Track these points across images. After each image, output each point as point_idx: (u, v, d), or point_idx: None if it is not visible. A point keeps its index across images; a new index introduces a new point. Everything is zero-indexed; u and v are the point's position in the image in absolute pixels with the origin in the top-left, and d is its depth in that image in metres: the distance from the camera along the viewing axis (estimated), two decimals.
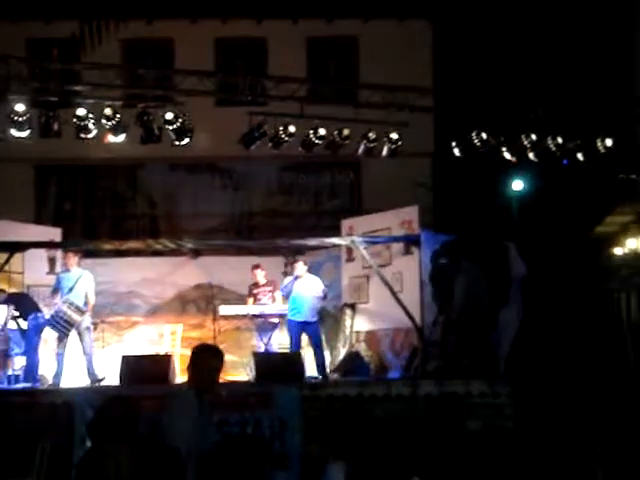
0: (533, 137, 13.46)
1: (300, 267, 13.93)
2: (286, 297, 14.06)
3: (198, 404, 5.67)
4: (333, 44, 19.05)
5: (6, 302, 13.72)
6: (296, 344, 13.81)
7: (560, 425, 11.00)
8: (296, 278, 13.88)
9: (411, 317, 13.62)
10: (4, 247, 13.59)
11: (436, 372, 12.77)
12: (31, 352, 13.40)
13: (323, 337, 14.92)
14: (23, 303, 13.80)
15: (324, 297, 14.10)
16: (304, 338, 13.99)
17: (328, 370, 14.83)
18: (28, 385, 13.03)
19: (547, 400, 11.81)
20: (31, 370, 13.28)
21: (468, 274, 13.20)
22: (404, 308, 13.66)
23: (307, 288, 13.84)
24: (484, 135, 13.30)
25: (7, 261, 13.55)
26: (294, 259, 14.25)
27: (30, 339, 13.45)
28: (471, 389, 11.72)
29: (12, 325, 13.83)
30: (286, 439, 11.25)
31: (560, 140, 13.53)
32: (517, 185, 16.85)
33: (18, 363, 13.63)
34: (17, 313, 13.67)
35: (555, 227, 15.99)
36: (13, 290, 14.53)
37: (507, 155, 13.49)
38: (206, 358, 5.81)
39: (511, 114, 13.56)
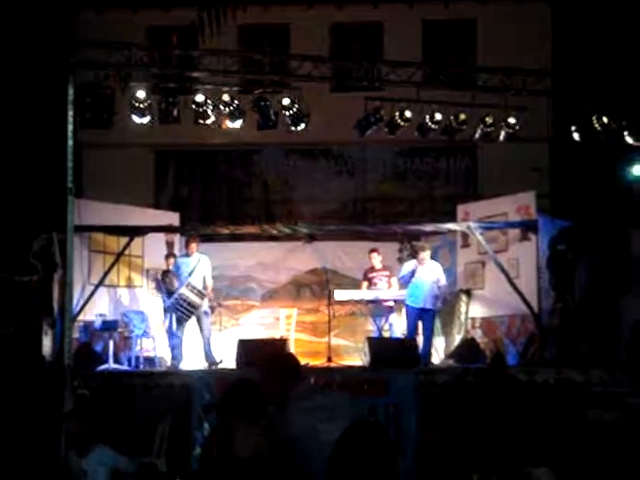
0: None
1: (426, 256, 13.77)
2: (404, 285, 13.93)
3: None
4: (450, 27, 18.81)
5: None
6: (412, 330, 13.73)
7: None
8: (420, 262, 13.68)
9: (528, 304, 13.46)
10: (125, 231, 13.91)
11: (554, 359, 12.60)
12: (168, 334, 13.74)
13: (438, 323, 14.84)
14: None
15: (440, 287, 13.96)
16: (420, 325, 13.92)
17: (443, 356, 14.79)
18: (173, 364, 13.40)
19: None
20: (171, 350, 13.61)
21: (588, 261, 12.97)
22: (521, 294, 13.51)
23: (427, 274, 13.72)
24: (605, 119, 13.01)
25: (127, 245, 13.86)
26: (419, 246, 14.15)
27: (168, 321, 13.79)
28: (591, 377, 11.53)
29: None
30: (401, 425, 11.23)
31: None
32: (638, 170, 16.43)
33: (138, 345, 13.94)
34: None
35: None
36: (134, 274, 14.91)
37: (629, 139, 13.14)
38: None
39: (633, 97, 13.21)
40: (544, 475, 5.43)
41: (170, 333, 13.69)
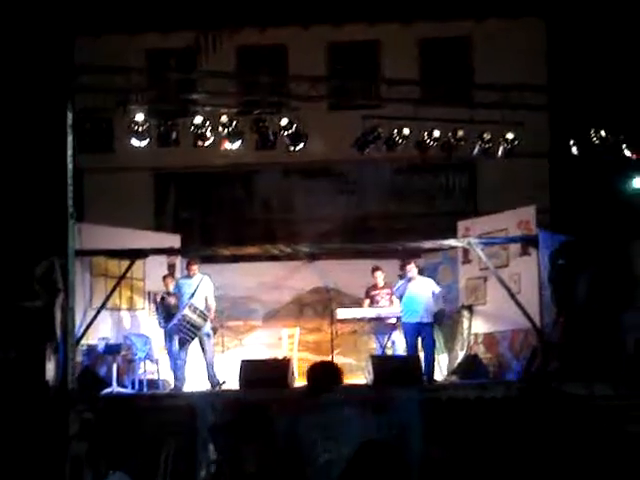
0: None
1: (413, 269, 13.91)
2: (399, 299, 14.00)
3: None
4: (446, 45, 18.87)
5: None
6: (412, 347, 13.74)
7: None
8: (409, 280, 13.85)
9: (530, 318, 13.46)
10: (126, 255, 13.92)
11: (557, 374, 12.58)
12: (171, 357, 13.75)
13: (441, 339, 14.85)
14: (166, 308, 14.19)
15: (439, 297, 14.02)
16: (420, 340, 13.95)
17: (446, 372, 14.76)
18: (176, 386, 13.44)
19: None
20: (174, 372, 13.61)
21: (589, 275, 12.97)
22: (523, 309, 13.50)
23: (420, 289, 13.79)
24: (603, 133, 13.05)
25: (129, 268, 13.86)
26: (406, 261, 14.23)
27: (168, 344, 13.79)
28: (594, 391, 11.51)
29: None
30: (405, 442, 11.21)
31: None
32: (637, 182, 16.45)
33: (142, 368, 13.93)
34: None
35: None
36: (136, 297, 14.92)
37: (627, 152, 13.20)
38: None
39: (630, 110, 13.26)
40: None
41: (171, 355, 13.70)
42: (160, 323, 13.98)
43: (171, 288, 14.22)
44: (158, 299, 14.20)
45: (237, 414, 5.45)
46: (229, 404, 11.52)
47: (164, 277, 14.50)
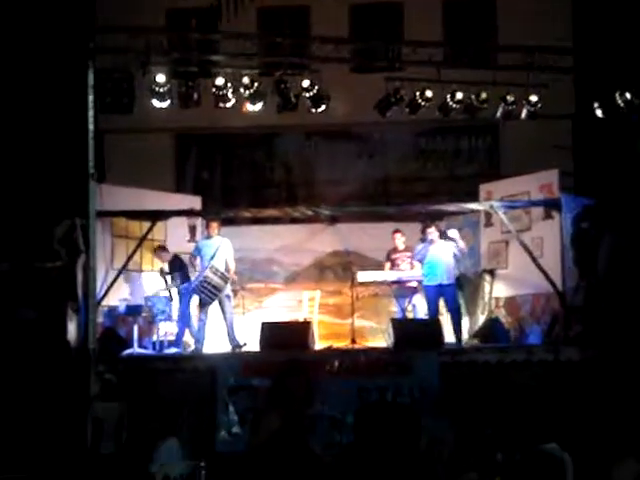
0: None
1: (434, 233, 13.87)
2: (420, 262, 14.00)
3: None
4: (470, 6, 18.62)
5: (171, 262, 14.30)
6: (433, 310, 13.76)
7: None
8: (430, 243, 13.83)
9: (552, 282, 13.38)
10: (147, 216, 13.91)
11: (578, 338, 12.54)
12: (182, 319, 13.78)
13: (462, 303, 14.80)
14: (182, 267, 14.25)
15: (460, 254, 14.03)
16: (442, 303, 13.93)
17: (467, 336, 14.74)
18: (178, 350, 13.43)
19: None
20: (182, 336, 13.69)
21: (612, 239, 12.86)
22: (545, 273, 13.43)
23: (441, 252, 13.77)
24: (628, 95, 12.90)
25: (150, 229, 13.86)
26: (427, 224, 14.20)
27: (183, 306, 13.82)
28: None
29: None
30: (426, 405, 11.23)
31: None
32: None
33: (162, 329, 13.97)
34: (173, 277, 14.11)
35: None
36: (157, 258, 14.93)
37: None
38: None
39: None
40: (554, 451, 5.42)
41: (182, 318, 13.76)
42: (168, 297, 14.03)
43: (165, 262, 14.29)
44: (165, 267, 14.26)
45: (285, 374, 5.35)
46: (249, 366, 11.61)
47: (155, 249, 14.51)
